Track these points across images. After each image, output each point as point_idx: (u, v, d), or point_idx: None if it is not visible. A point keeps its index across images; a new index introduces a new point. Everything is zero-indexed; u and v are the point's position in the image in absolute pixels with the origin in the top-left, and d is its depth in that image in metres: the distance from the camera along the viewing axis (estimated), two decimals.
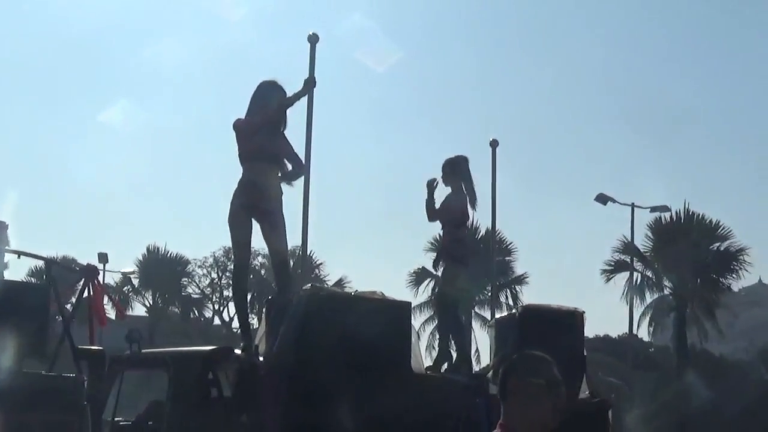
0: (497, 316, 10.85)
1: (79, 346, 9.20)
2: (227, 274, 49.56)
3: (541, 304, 9.54)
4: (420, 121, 77.78)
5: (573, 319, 9.33)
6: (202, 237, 71.10)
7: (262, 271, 43.68)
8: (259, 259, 42.19)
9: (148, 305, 48.25)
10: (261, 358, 7.58)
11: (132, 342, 7.79)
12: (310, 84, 8.88)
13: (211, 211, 62.82)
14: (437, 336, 11.18)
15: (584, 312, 9.40)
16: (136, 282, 48.19)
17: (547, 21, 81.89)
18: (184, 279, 50.18)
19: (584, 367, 9.40)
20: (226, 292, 49.88)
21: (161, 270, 47.45)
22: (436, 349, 10.83)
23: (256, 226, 8.56)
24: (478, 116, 75.35)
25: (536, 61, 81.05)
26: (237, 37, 73.35)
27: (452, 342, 10.18)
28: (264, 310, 7.94)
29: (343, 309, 7.49)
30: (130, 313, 43.40)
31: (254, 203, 8.47)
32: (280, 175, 8.78)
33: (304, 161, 8.95)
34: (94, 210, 69.13)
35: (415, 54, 77.87)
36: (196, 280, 50.74)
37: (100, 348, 8.39)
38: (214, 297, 50.95)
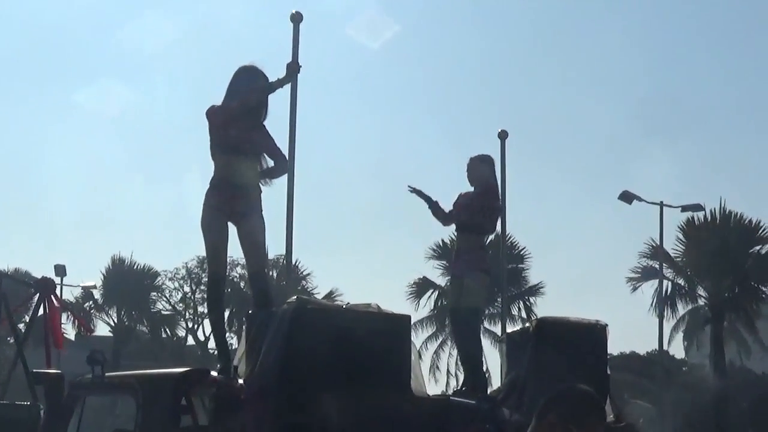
0: (509, 330, 10.90)
1: (35, 370, 9.21)
2: (202, 287, 49.57)
3: (559, 317, 9.57)
4: (419, 106, 77.70)
5: (594, 333, 9.36)
6: (173, 245, 71.02)
7: (242, 284, 43.68)
8: (238, 269, 42.27)
9: (113, 323, 48.24)
10: (241, 381, 7.59)
11: (94, 364, 7.79)
12: (293, 69, 8.90)
13: (184, 216, 62.77)
14: (453, 355, 11.27)
15: (607, 325, 9.43)
16: (98, 297, 48.17)
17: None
18: (153, 293, 50.16)
19: (608, 387, 9.43)
20: (200, 308, 49.85)
21: (127, 283, 47.44)
22: (440, 369, 10.89)
23: (233, 231, 8.57)
24: (484, 101, 75.29)
25: (552, 41, 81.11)
26: (220, 13, 73.48)
27: (469, 360, 10.26)
28: (244, 326, 7.95)
29: (333, 324, 7.49)
30: (94, 333, 43.41)
31: (229, 204, 8.48)
32: (259, 171, 8.79)
33: (287, 156, 8.96)
34: (49, 214, 69.13)
35: (414, 29, 77.81)
36: (167, 295, 50.78)
37: (59, 372, 8.41)
38: (187, 314, 50.95)
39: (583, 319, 9.53)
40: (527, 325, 9.72)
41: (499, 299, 14.75)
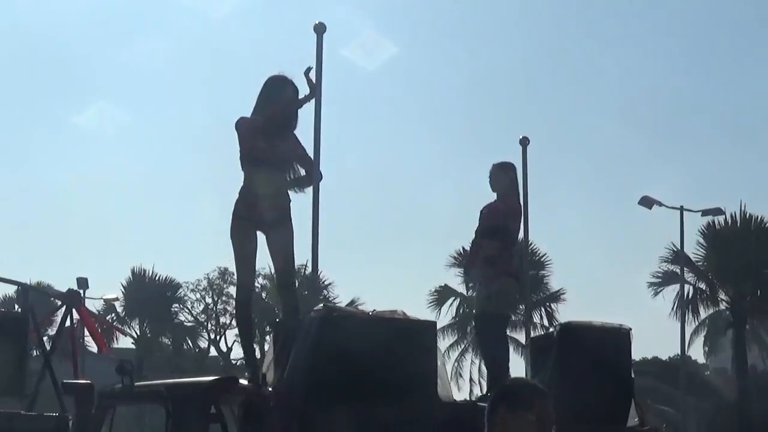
0: (532, 336, 10.94)
1: (65, 381, 9.29)
2: (223, 298, 49.72)
3: (582, 321, 9.58)
4: (421, 124, 77.80)
5: (619, 337, 9.37)
6: (194, 257, 71.25)
7: (263, 294, 43.76)
8: (260, 280, 42.33)
9: (136, 335, 48.35)
10: (269, 389, 7.63)
11: (124, 374, 7.85)
12: (313, 86, 8.88)
13: (204, 227, 63.04)
14: (475, 362, 11.33)
15: (631, 329, 9.44)
16: (120, 310, 48.30)
17: (574, 12, 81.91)
18: (175, 305, 50.29)
19: (632, 391, 9.45)
20: (222, 319, 50.06)
21: (149, 295, 47.54)
22: (463, 377, 10.94)
23: (261, 240, 8.63)
24: (492, 116, 75.41)
25: (561, 51, 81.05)
26: (219, 35, 73.99)
27: (494, 366, 10.28)
28: (271, 335, 8.01)
29: (361, 330, 7.49)
30: (115, 345, 43.55)
31: (258, 214, 8.54)
32: (288, 180, 8.85)
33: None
34: (70, 228, 69.36)
35: (411, 50, 77.81)
36: (189, 306, 50.90)
37: (89, 382, 8.48)
38: (209, 325, 51.08)
39: (607, 323, 9.54)
40: (551, 330, 9.76)
41: (522, 306, 14.71)
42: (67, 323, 12.20)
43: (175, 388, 7.95)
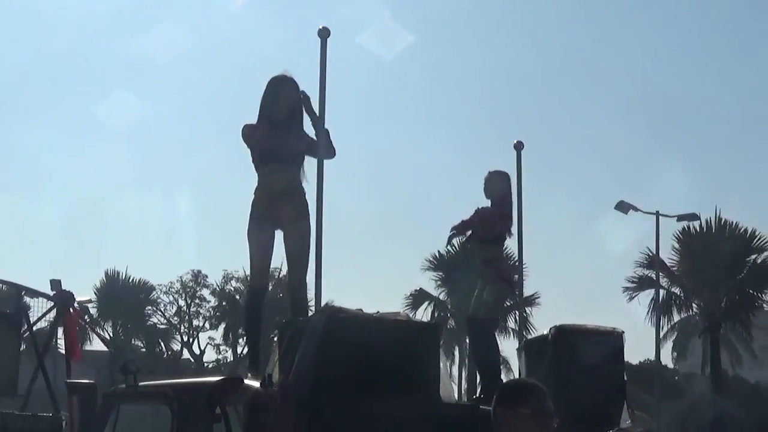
0: (527, 338, 11.06)
1: (67, 380, 9.32)
2: (196, 301, 49.68)
3: (576, 324, 9.70)
4: (431, 118, 77.72)
5: (612, 340, 9.50)
6: (167, 259, 71.10)
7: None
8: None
9: (109, 338, 48.20)
10: (275, 389, 7.68)
11: (128, 373, 7.89)
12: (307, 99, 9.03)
13: (179, 229, 62.84)
14: (456, 364, 11.44)
15: (624, 332, 9.58)
16: (94, 312, 48.12)
17: (575, 16, 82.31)
18: (148, 307, 50.19)
19: (625, 394, 9.59)
20: (195, 322, 50.00)
21: (122, 298, 47.44)
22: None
23: (278, 240, 8.72)
24: (496, 114, 75.49)
25: (556, 55, 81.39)
26: (232, 24, 73.76)
27: (488, 369, 10.40)
28: (278, 334, 8.08)
29: (365, 332, 7.58)
30: (88, 347, 43.34)
31: (274, 212, 8.65)
32: (301, 176, 8.96)
33: (317, 170, 9.05)
34: (43, 228, 69.01)
35: (429, 40, 77.85)
36: (162, 309, 50.81)
37: (92, 381, 8.51)
38: (182, 327, 50.99)
39: (600, 326, 9.68)
40: (545, 332, 9.92)
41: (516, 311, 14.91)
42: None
43: (181, 388, 7.98)
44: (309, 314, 8.48)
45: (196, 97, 73.16)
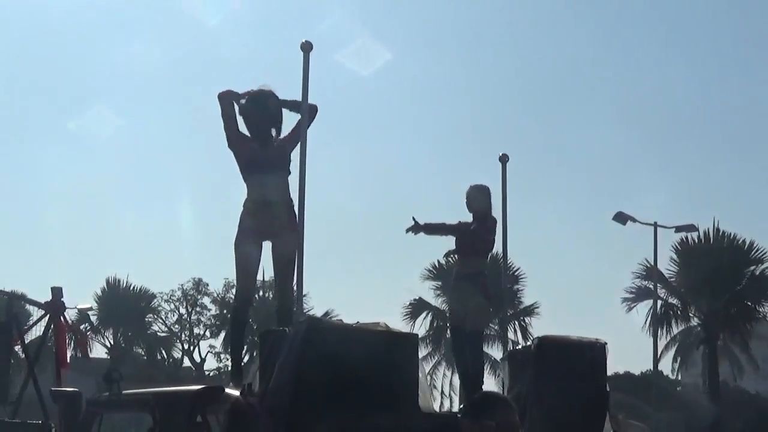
0: (510, 349, 11.13)
1: (52, 388, 9.41)
2: (197, 308, 49.72)
3: (560, 336, 9.76)
4: (412, 133, 78.06)
5: (594, 351, 9.54)
6: (169, 267, 71.14)
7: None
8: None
9: (109, 345, 48.29)
10: (255, 398, 7.76)
11: (111, 382, 7.98)
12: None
13: (179, 238, 62.91)
14: (447, 375, 11.53)
15: (606, 343, 9.62)
16: (95, 319, 48.18)
17: (561, 22, 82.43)
18: (149, 315, 50.25)
19: (607, 405, 9.63)
20: (196, 330, 50.05)
21: (123, 305, 47.50)
22: (437, 388, 11.18)
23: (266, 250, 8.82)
24: (480, 127, 75.66)
25: (544, 64, 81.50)
26: (211, 37, 74.01)
27: (470, 380, 10.49)
28: (258, 344, 8.16)
29: (345, 342, 7.64)
30: (89, 355, 43.41)
31: (262, 223, 8.76)
32: (287, 186, 9.04)
33: (299, 177, 9.09)
34: (44, 237, 69.15)
35: (406, 57, 78.17)
36: (163, 317, 50.88)
37: (76, 390, 8.61)
38: (182, 335, 51.06)
39: (584, 337, 9.73)
40: (528, 343, 9.99)
41: (497, 320, 14.94)
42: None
43: (163, 396, 8.07)
44: (292, 321, 8.56)
45: (189, 106, 73.31)
